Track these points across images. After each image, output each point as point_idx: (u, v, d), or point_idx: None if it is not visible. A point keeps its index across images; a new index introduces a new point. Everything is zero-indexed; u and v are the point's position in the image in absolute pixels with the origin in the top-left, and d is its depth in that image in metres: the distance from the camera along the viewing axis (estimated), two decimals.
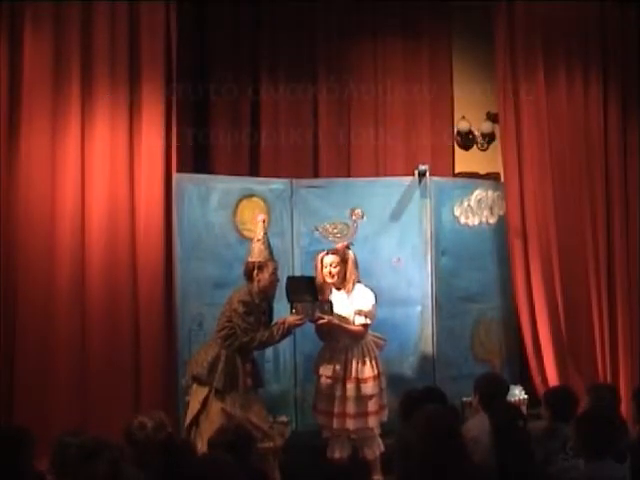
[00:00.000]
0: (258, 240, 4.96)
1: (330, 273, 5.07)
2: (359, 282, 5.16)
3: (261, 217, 5.09)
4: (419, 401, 3.85)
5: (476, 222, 6.13)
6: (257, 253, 4.93)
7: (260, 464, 4.70)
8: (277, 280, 4.96)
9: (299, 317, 4.91)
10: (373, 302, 5.13)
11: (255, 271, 4.87)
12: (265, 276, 4.88)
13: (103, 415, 5.06)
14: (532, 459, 3.68)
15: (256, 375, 4.93)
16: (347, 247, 5.19)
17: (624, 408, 5.01)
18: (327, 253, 5.14)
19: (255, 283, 4.86)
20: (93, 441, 3.43)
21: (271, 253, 4.95)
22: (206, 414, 4.74)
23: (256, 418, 4.81)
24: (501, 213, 6.19)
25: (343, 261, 5.11)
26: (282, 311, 5.12)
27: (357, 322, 5.09)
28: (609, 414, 3.78)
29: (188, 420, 4.77)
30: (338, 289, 5.13)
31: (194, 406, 4.79)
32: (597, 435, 3.48)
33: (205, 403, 4.76)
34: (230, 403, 4.76)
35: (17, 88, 5.18)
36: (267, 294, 4.92)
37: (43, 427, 4.90)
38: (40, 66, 5.22)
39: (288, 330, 4.90)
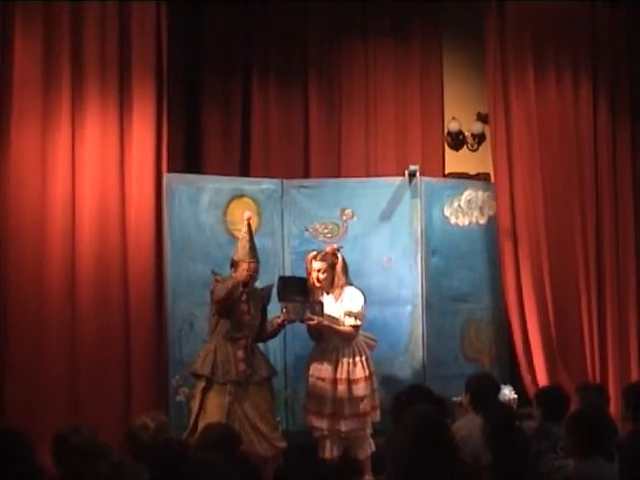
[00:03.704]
0: (241, 238, 5.00)
1: (318, 279, 5.09)
2: (350, 284, 5.17)
3: (247, 215, 5.07)
4: (409, 401, 3.87)
5: (466, 222, 6.15)
6: (236, 250, 4.99)
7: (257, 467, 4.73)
8: (252, 278, 4.91)
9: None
10: (362, 303, 5.14)
11: (232, 268, 4.95)
12: (238, 275, 4.90)
13: (94, 415, 5.07)
14: (527, 458, 3.71)
15: (250, 362, 4.91)
16: (337, 250, 5.18)
17: (613, 407, 5.05)
18: (315, 257, 5.15)
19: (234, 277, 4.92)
20: (92, 439, 3.46)
21: (251, 251, 4.94)
22: (204, 412, 4.77)
23: (260, 421, 4.84)
24: (491, 213, 6.22)
25: (331, 266, 5.11)
26: (273, 311, 5.12)
27: (347, 323, 5.10)
28: (599, 414, 3.80)
29: (192, 421, 4.78)
30: (327, 293, 5.14)
31: (195, 404, 4.84)
32: (587, 434, 3.50)
33: (203, 396, 4.80)
34: (226, 396, 4.79)
35: (7, 87, 5.19)
36: (241, 287, 4.91)
37: (33, 427, 4.90)
38: (30, 65, 5.23)
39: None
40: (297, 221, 5.86)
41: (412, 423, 3.30)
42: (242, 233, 5.01)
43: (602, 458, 3.40)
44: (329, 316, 5.06)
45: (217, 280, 4.95)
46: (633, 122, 6.43)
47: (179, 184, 5.60)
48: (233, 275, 4.94)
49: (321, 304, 5.04)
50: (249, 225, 5.00)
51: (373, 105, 6.53)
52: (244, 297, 4.93)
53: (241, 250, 4.95)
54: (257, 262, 4.95)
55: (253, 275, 4.92)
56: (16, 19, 5.19)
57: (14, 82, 5.19)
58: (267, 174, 6.12)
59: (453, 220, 6.09)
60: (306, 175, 6.35)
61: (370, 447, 5.15)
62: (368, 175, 6.39)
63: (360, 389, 5.05)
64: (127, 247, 5.43)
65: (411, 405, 3.65)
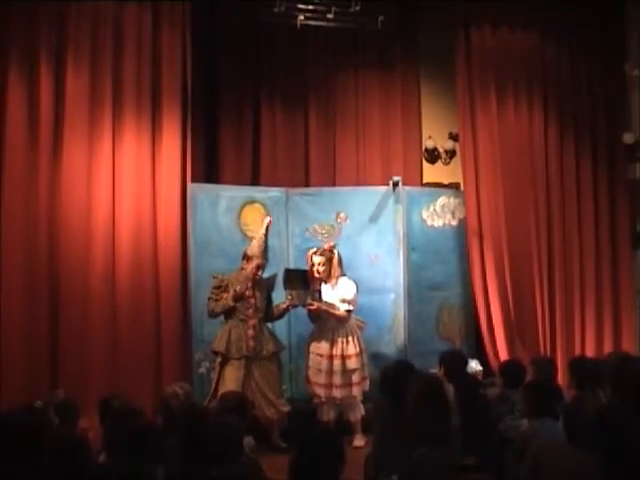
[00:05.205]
0: (259, 237, 5.09)
1: (317, 271, 5.20)
2: (344, 275, 5.29)
3: (267, 220, 5.18)
4: (395, 374, 3.96)
5: (440, 224, 6.19)
6: (252, 246, 5.09)
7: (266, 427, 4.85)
8: (257, 275, 5.01)
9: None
10: (355, 292, 5.25)
11: (244, 260, 5.04)
12: (248, 268, 5.01)
13: (131, 384, 5.15)
14: (490, 419, 3.82)
15: (258, 339, 5.01)
16: (333, 247, 5.30)
17: (560, 377, 5.16)
18: (315, 253, 5.25)
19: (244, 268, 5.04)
20: (129, 403, 3.55)
21: (264, 251, 5.04)
22: (222, 382, 4.88)
23: (268, 389, 4.96)
24: (461, 216, 6.25)
25: (328, 260, 5.22)
26: (279, 297, 5.26)
27: (342, 308, 5.20)
28: (548, 383, 3.89)
29: (212, 389, 4.93)
30: (325, 283, 5.25)
31: (215, 375, 4.97)
32: (539, 400, 3.59)
33: (221, 369, 4.91)
34: (241, 369, 4.90)
35: (60, 108, 5.27)
36: (247, 281, 5.03)
37: (83, 395, 5.02)
38: (79, 91, 5.30)
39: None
40: (299, 223, 5.91)
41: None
42: (260, 234, 5.10)
43: (550, 418, 3.50)
44: (326, 302, 5.18)
45: (214, 277, 5.05)
46: (576, 141, 6.48)
47: (200, 192, 5.66)
48: (244, 267, 5.01)
49: (319, 292, 5.16)
50: (267, 229, 5.10)
51: (362, 126, 6.52)
52: (250, 290, 5.04)
53: (257, 248, 5.04)
54: (266, 260, 5.08)
55: (258, 274, 5.01)
56: (68, 51, 5.28)
57: (66, 103, 5.25)
58: (274, 183, 6.14)
59: (429, 222, 6.14)
60: (307, 184, 6.33)
61: (360, 411, 5.26)
62: (358, 184, 6.38)
63: (352, 363, 5.17)
64: (158, 245, 5.50)
65: (397, 377, 3.77)
